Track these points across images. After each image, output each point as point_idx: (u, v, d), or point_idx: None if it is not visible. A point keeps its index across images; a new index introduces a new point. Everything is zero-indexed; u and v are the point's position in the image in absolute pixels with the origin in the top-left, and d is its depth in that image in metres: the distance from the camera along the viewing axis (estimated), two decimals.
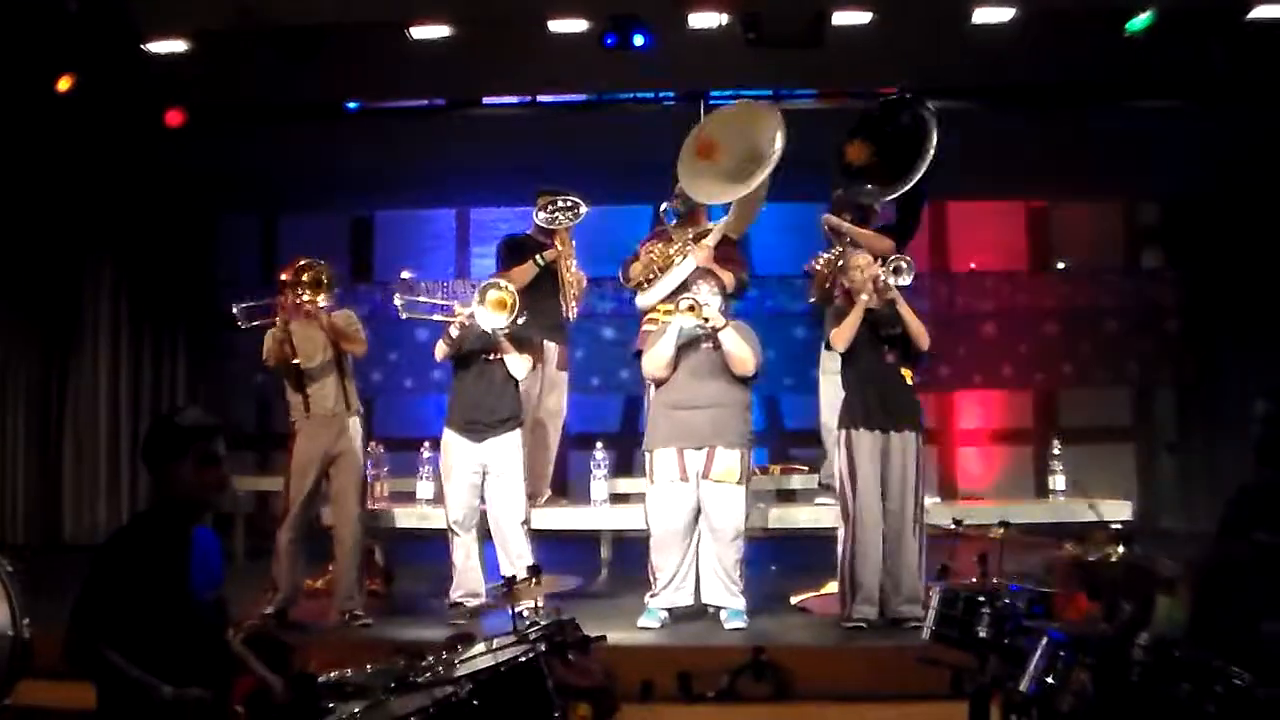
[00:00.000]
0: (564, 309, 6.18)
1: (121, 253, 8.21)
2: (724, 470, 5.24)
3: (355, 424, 5.54)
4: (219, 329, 8.18)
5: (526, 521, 5.57)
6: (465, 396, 5.54)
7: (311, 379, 5.48)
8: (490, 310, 5.38)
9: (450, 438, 5.56)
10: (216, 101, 7.13)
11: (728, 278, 5.71)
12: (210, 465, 2.95)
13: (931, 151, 5.68)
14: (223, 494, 3.09)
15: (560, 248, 6.07)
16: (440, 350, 5.56)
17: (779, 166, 5.67)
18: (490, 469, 5.50)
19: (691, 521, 5.30)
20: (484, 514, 5.60)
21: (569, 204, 6.02)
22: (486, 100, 7.67)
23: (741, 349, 5.29)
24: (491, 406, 5.51)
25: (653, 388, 5.57)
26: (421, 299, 5.97)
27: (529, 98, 7.64)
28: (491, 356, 5.53)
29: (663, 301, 5.91)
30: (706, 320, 5.20)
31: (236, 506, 7.51)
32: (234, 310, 5.53)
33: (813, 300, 6.20)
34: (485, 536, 5.63)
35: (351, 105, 7.60)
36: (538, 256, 6.05)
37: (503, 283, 5.47)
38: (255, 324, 5.55)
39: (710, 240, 5.85)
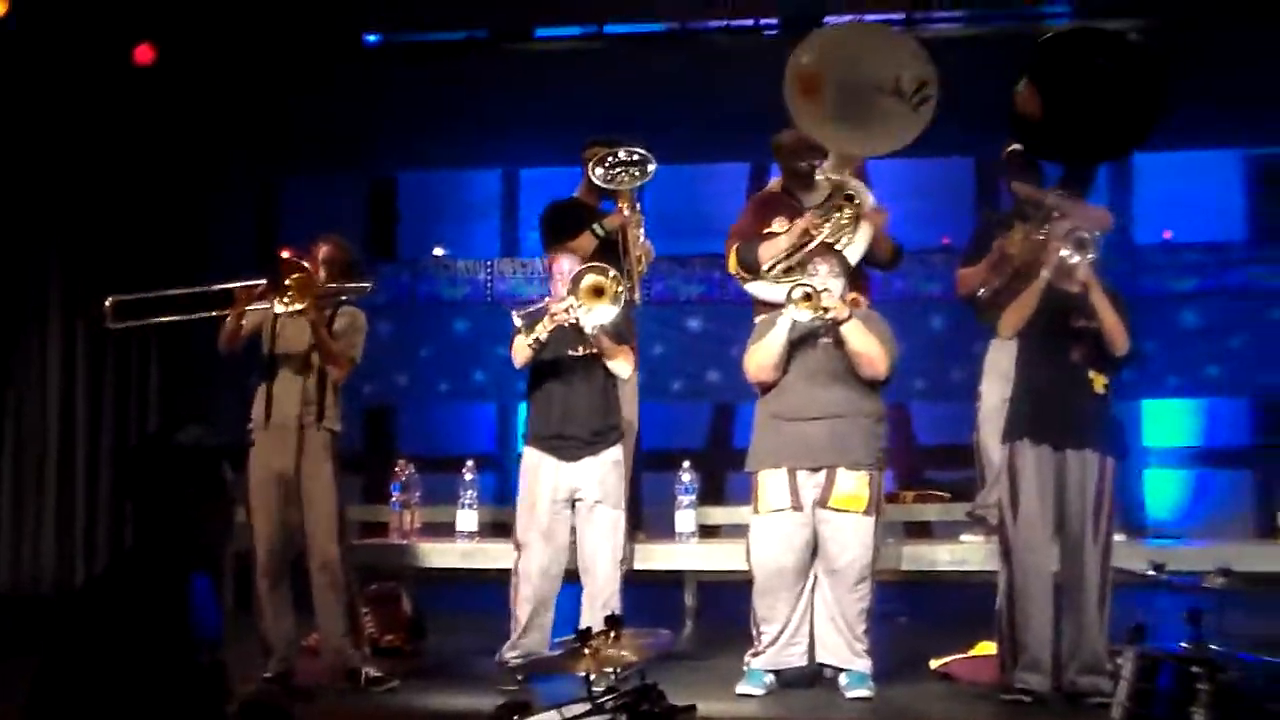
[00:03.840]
0: (630, 292, 6.12)
1: (78, 224, 8.25)
2: (847, 495, 5.19)
3: (326, 440, 5.50)
4: (203, 319, 8.22)
5: (625, 562, 5.58)
6: (552, 404, 5.53)
7: (281, 376, 5.49)
8: (590, 302, 5.36)
9: (534, 458, 5.55)
10: (198, 34, 7.19)
11: (890, 244, 5.75)
12: (216, 498, 2.97)
13: (1158, 110, 5.47)
14: (230, 533, 3.11)
15: (626, 214, 6.02)
16: (523, 354, 5.48)
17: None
18: (585, 495, 5.50)
19: (806, 561, 5.26)
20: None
21: (635, 157, 5.93)
22: (540, 32, 7.67)
23: (870, 345, 5.23)
24: (587, 416, 5.50)
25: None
26: (533, 308, 5.65)
27: (594, 27, 7.62)
28: (582, 352, 5.52)
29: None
30: (826, 311, 5.14)
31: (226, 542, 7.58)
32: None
33: (983, 295, 6.06)
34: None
35: (371, 38, 7.64)
36: (596, 226, 6.01)
37: (602, 265, 5.46)
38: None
39: (873, 200, 5.76)
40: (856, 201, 5.73)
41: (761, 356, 5.31)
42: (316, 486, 5.45)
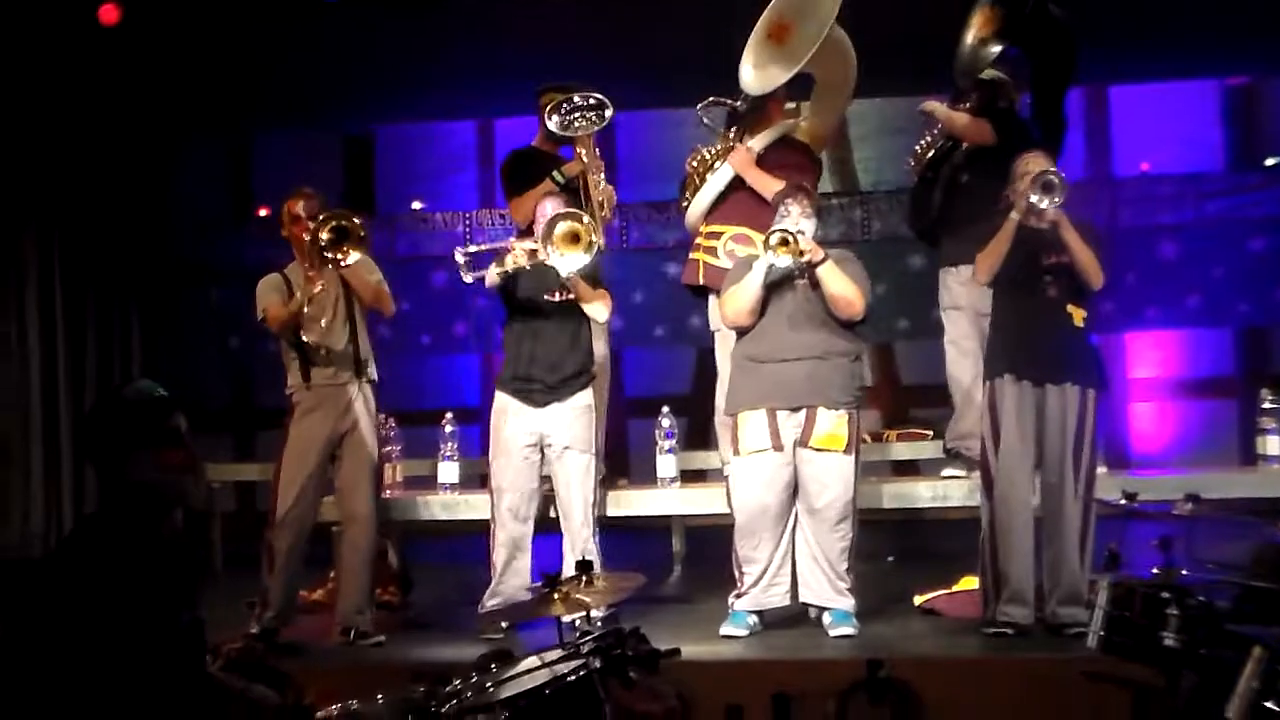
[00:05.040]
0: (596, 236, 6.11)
1: (50, 191, 8.20)
2: (827, 435, 5.19)
3: (368, 394, 5.57)
4: (182, 282, 8.23)
5: (597, 506, 5.61)
6: (523, 349, 5.54)
7: (313, 335, 5.49)
8: (564, 248, 5.32)
9: (504, 403, 5.56)
10: None
11: (770, 185, 5.66)
12: (172, 447, 2.96)
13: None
14: (194, 482, 3.10)
15: (585, 159, 6.00)
16: (493, 276, 5.46)
17: (859, 46, 5.65)
18: (554, 440, 5.51)
19: (787, 501, 5.28)
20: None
21: (592, 102, 5.90)
22: None
23: (845, 286, 5.22)
24: (556, 361, 5.51)
25: (724, 337, 5.54)
26: (483, 247, 5.72)
27: None
28: (557, 297, 5.52)
29: (712, 222, 5.91)
30: (803, 254, 5.13)
31: (212, 503, 7.61)
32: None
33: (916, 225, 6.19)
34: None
35: None
36: (555, 172, 5.99)
37: (576, 211, 5.44)
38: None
39: (757, 142, 5.79)
40: (731, 141, 5.86)
41: (738, 301, 5.30)
42: (357, 441, 5.50)
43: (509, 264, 5.40)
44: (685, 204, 6.04)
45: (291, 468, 5.46)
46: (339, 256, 5.31)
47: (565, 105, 5.89)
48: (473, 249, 5.62)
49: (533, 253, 5.37)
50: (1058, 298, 5.16)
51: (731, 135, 5.94)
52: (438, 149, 9.72)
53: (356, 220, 5.37)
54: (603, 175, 6.05)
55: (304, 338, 5.48)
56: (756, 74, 5.77)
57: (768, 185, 5.64)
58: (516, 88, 8.03)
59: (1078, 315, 5.19)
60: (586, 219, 5.38)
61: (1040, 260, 5.15)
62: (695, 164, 5.96)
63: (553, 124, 5.89)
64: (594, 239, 5.35)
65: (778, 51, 5.78)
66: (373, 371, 5.61)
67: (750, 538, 5.29)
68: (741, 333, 5.38)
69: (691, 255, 6.00)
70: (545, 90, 6.04)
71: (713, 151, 5.93)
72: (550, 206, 5.53)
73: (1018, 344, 5.18)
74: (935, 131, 6.09)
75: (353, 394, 5.52)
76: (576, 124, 5.89)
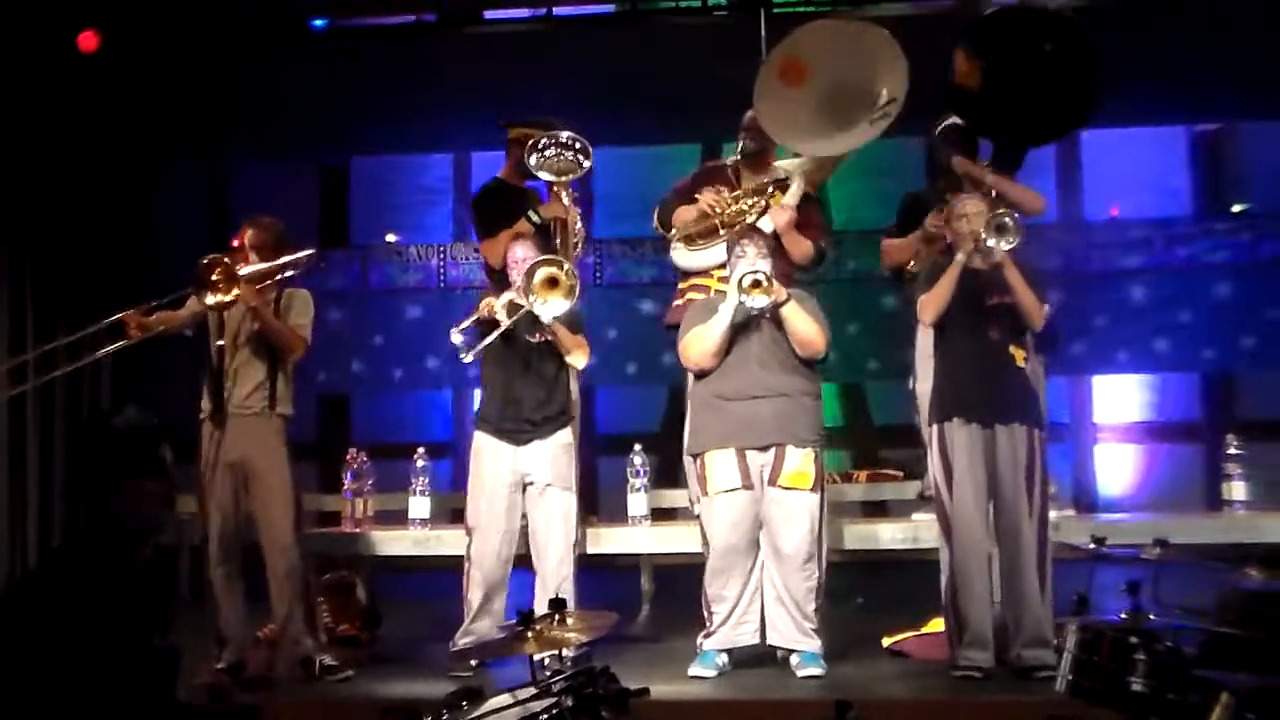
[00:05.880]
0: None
1: (24, 215, 8.15)
2: (795, 473, 5.22)
3: (279, 426, 5.52)
4: (153, 309, 8.18)
5: (578, 545, 5.59)
6: (504, 389, 5.55)
7: (230, 363, 5.49)
8: (544, 295, 5.32)
9: (483, 442, 5.56)
10: (142, 21, 7.13)
11: (804, 246, 5.68)
12: (156, 478, 2.97)
13: (1095, 94, 5.57)
14: (170, 512, 3.11)
15: (567, 203, 5.94)
16: (491, 339, 5.43)
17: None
18: (536, 478, 5.51)
19: (755, 538, 5.30)
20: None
21: (578, 146, 5.81)
22: (489, 14, 7.65)
23: (809, 326, 5.27)
24: (537, 400, 5.52)
25: (691, 376, 5.53)
26: (469, 322, 5.53)
27: (542, 10, 7.62)
28: (536, 338, 5.52)
29: (716, 266, 5.87)
30: (770, 293, 5.16)
31: (181, 535, 7.54)
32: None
33: (913, 268, 6.12)
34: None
35: (317, 23, 7.61)
36: (531, 213, 5.95)
37: (556, 258, 5.43)
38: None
39: (791, 198, 5.75)
40: (771, 194, 5.75)
41: (703, 344, 5.32)
42: (272, 473, 5.46)
43: (500, 319, 5.38)
44: (678, 233, 5.88)
45: (207, 499, 5.44)
46: (213, 293, 5.33)
47: (545, 141, 5.85)
48: (463, 326, 5.51)
49: (512, 305, 5.37)
50: (1000, 339, 5.21)
51: (757, 180, 5.86)
52: (413, 181, 9.72)
53: (236, 271, 5.36)
54: (579, 215, 6.04)
55: (221, 356, 5.48)
56: (779, 122, 5.69)
57: (798, 245, 5.66)
58: (493, 121, 8.10)
59: (1019, 355, 5.24)
60: (566, 265, 5.38)
61: (983, 301, 5.20)
62: (718, 205, 5.76)
63: (533, 164, 5.79)
64: (574, 283, 5.35)
65: (793, 97, 5.70)
66: (286, 405, 5.55)
67: (722, 575, 5.29)
68: (702, 373, 5.40)
69: (690, 295, 5.88)
70: (520, 124, 6.02)
71: (738, 202, 5.76)
72: (521, 251, 5.55)
73: (965, 387, 5.22)
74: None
75: (262, 424, 5.48)
76: (555, 162, 5.83)
